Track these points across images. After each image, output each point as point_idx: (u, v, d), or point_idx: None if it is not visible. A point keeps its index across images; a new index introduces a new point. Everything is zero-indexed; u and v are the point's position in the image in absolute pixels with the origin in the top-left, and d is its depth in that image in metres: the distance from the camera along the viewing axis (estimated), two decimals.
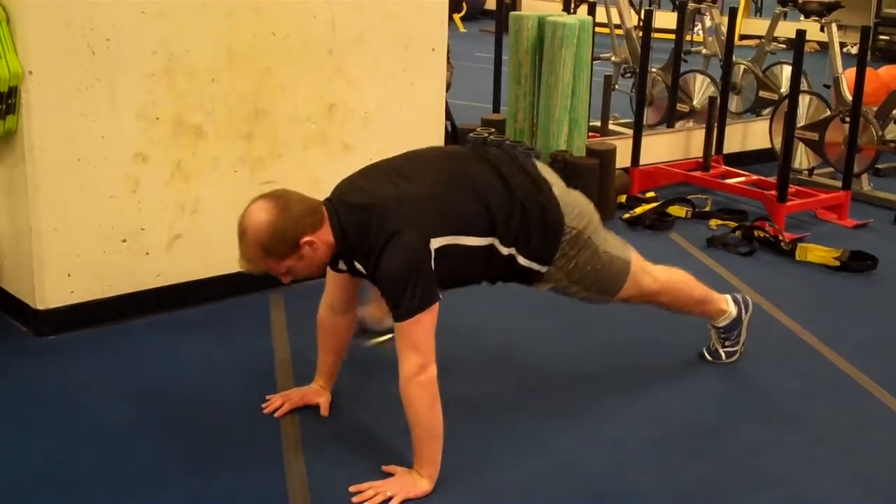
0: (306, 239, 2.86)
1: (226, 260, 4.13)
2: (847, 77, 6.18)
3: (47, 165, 3.69)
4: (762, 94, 7.39)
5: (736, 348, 3.81)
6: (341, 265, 3.04)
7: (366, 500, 2.84)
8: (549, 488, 2.98)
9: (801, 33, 5.45)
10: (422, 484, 2.88)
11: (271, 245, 2.83)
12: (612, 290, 3.38)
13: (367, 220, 2.89)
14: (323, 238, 2.91)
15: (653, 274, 3.52)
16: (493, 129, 5.88)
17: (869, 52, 6.32)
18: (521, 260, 3.13)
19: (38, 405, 3.38)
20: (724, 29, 7.01)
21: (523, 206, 3.08)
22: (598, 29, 5.95)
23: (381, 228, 2.86)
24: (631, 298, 3.47)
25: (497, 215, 3.03)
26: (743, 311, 3.79)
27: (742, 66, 7.44)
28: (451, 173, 3.10)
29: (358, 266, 2.96)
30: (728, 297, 3.80)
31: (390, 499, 2.84)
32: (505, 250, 3.08)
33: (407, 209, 2.92)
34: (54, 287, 3.81)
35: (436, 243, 2.90)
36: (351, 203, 2.97)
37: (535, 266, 3.16)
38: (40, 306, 3.81)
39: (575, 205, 3.25)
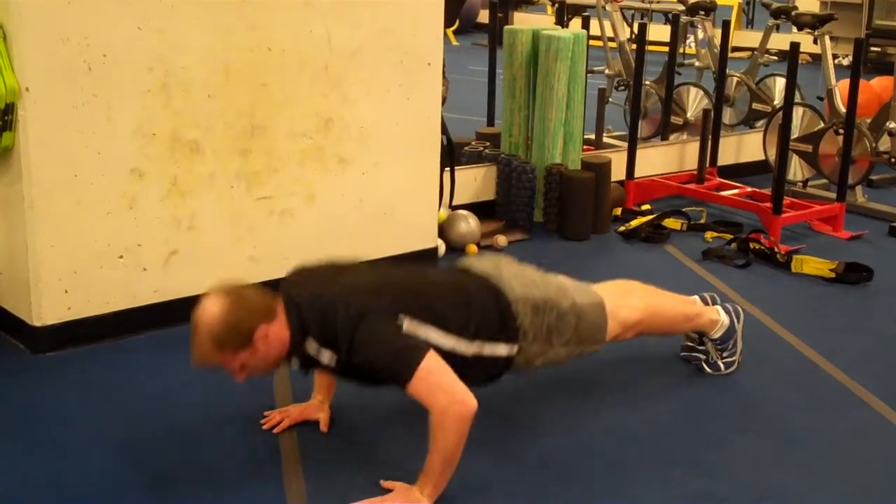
0: (261, 331, 2.85)
1: (223, 275, 4.12)
2: (840, 89, 6.20)
3: (44, 182, 3.68)
4: (756, 106, 7.41)
5: (734, 358, 3.82)
6: (293, 363, 3.03)
7: None
8: (548, 502, 2.97)
9: (795, 45, 5.48)
10: (422, 501, 2.87)
11: (225, 338, 2.80)
12: (598, 338, 3.41)
13: (331, 311, 2.89)
14: (277, 331, 2.89)
15: (629, 303, 3.54)
16: (488, 143, 5.91)
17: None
18: (487, 350, 3.12)
19: (34, 422, 3.37)
20: (717, 41, 7.04)
21: (470, 294, 3.14)
22: (591, 42, 5.97)
23: (348, 314, 2.87)
24: (620, 336, 3.50)
25: (442, 304, 3.07)
26: (735, 320, 3.80)
27: (735, 79, 7.46)
28: (397, 271, 3.24)
29: (323, 358, 2.93)
30: (718, 307, 3.81)
31: None
32: (468, 349, 3.08)
33: (369, 295, 2.95)
34: (51, 304, 3.80)
35: (405, 326, 2.93)
36: (308, 295, 2.97)
37: (501, 349, 3.17)
38: (37, 323, 3.81)
39: (526, 278, 3.30)
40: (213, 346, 2.81)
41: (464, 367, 2.98)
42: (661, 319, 3.63)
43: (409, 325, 2.94)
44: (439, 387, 2.82)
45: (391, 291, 3.01)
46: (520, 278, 3.29)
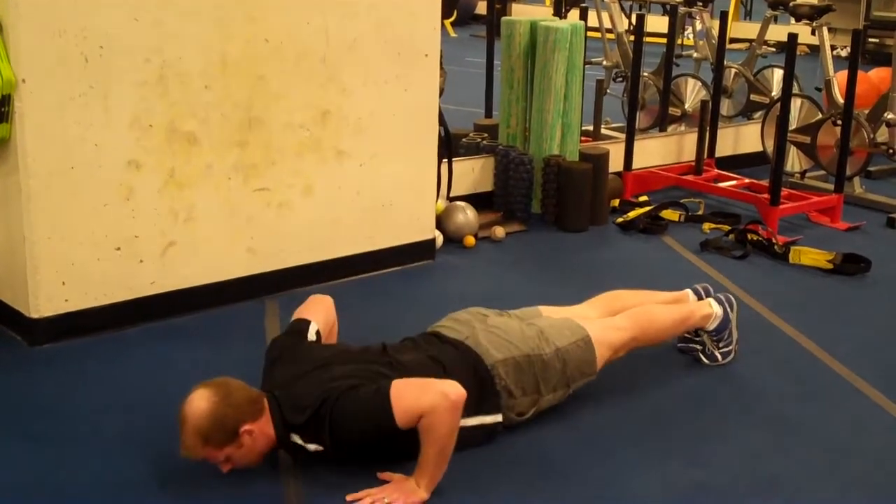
0: (246, 428, 2.88)
1: (220, 267, 4.15)
2: (838, 80, 6.20)
3: (41, 174, 3.68)
4: (753, 97, 7.40)
5: (730, 348, 3.82)
6: (281, 452, 3.05)
7: None
8: (546, 495, 2.98)
9: (793, 37, 5.47)
10: (419, 492, 2.88)
11: (211, 433, 2.84)
12: (589, 371, 3.41)
13: (309, 408, 2.93)
14: (262, 427, 2.93)
15: (616, 325, 3.54)
16: (486, 134, 5.90)
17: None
18: (471, 423, 3.11)
19: (31, 414, 3.37)
20: (715, 33, 7.03)
21: (445, 370, 3.13)
22: (589, 33, 5.96)
23: (325, 407, 2.91)
24: (612, 358, 3.50)
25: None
26: (729, 310, 3.80)
27: (733, 70, 7.45)
28: (374, 353, 3.23)
29: (310, 448, 2.96)
30: (711, 299, 3.82)
31: None
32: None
33: (345, 381, 2.98)
34: (48, 295, 3.80)
35: None
36: (288, 394, 3.00)
37: (486, 420, 3.18)
38: (34, 315, 3.80)
39: (503, 336, 3.31)
40: (200, 441, 2.86)
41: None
42: (652, 331, 3.63)
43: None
44: (416, 396, 2.86)
45: (366, 377, 3.02)
46: (496, 338, 3.30)
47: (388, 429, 2.87)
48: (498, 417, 3.21)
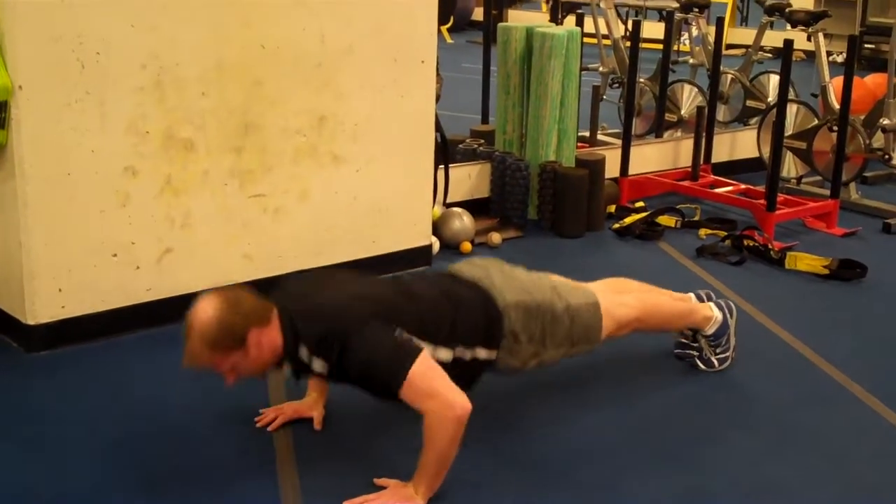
0: (253, 334, 2.86)
1: (217, 273, 4.15)
2: (834, 86, 6.21)
3: (37, 180, 3.68)
4: (749, 103, 7.41)
5: (727, 354, 3.82)
6: (286, 369, 3.04)
7: None
8: (543, 499, 2.98)
9: (788, 43, 5.48)
10: (416, 499, 2.87)
11: (218, 338, 2.82)
12: (593, 338, 3.41)
13: (322, 320, 2.92)
14: (270, 336, 2.91)
15: (625, 301, 3.55)
16: (483, 140, 5.91)
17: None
18: (468, 355, 3.13)
19: (28, 421, 3.37)
20: (711, 39, 7.04)
21: (457, 303, 3.14)
22: (585, 39, 5.96)
23: (340, 324, 2.88)
24: (614, 334, 3.51)
25: (429, 317, 3.07)
26: (728, 316, 3.81)
27: (729, 76, 7.46)
28: (386, 281, 3.23)
29: (315, 366, 2.94)
30: (712, 303, 3.82)
31: None
32: (447, 355, 3.07)
33: (360, 303, 2.97)
34: (45, 302, 3.80)
35: (396, 329, 2.93)
36: (302, 304, 2.99)
37: (480, 353, 3.17)
38: (31, 321, 3.80)
39: (518, 282, 3.31)
40: (205, 347, 2.82)
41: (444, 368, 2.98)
42: (656, 317, 3.65)
43: (400, 332, 2.94)
44: (431, 392, 2.82)
45: (381, 301, 3.01)
46: (511, 283, 3.29)
47: (390, 394, 2.86)
48: (493, 354, 3.18)
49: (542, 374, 3.72)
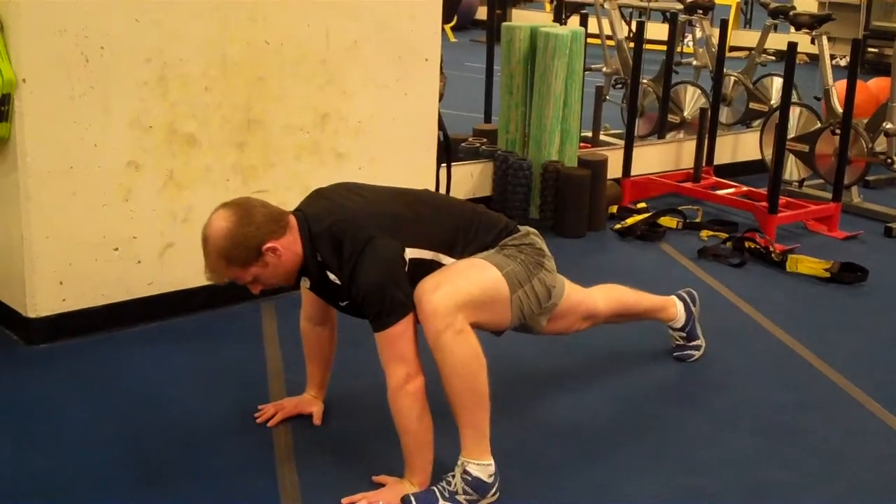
0: (269, 245, 2.85)
1: None
2: (837, 89, 6.21)
3: (40, 173, 3.68)
4: (752, 105, 7.42)
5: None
6: (304, 282, 3.03)
7: None
8: (538, 498, 2.98)
9: (792, 45, 5.48)
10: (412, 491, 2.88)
11: (233, 252, 2.82)
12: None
13: (340, 229, 2.89)
14: (288, 245, 2.89)
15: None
16: (485, 140, 5.91)
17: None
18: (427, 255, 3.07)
19: (28, 414, 3.37)
20: (715, 41, 7.04)
21: (480, 219, 3.12)
22: (589, 40, 5.97)
23: (356, 236, 2.85)
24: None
25: (455, 232, 3.04)
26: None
27: (732, 78, 7.47)
28: (411, 194, 3.17)
29: (331, 277, 2.92)
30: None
31: None
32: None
33: (379, 218, 2.93)
34: (46, 295, 3.80)
35: (409, 253, 2.91)
36: (322, 213, 2.96)
37: (443, 258, 3.08)
38: (32, 314, 3.80)
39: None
40: (223, 261, 2.83)
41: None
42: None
43: (413, 252, 2.92)
44: (402, 356, 2.82)
45: (400, 219, 2.97)
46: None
47: (371, 325, 2.86)
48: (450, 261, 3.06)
49: (538, 372, 3.74)
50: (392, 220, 2.95)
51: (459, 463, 2.88)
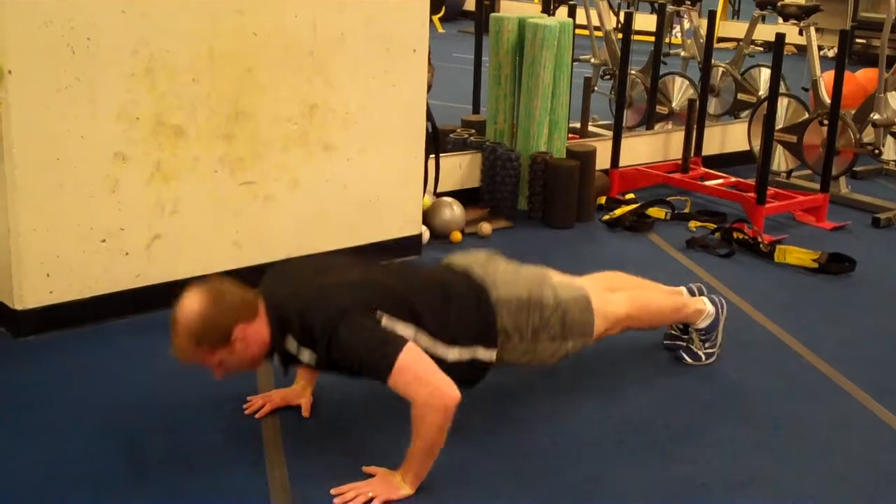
0: (239, 330, 2.85)
1: (205, 260, 4.14)
2: (825, 80, 6.21)
3: (26, 165, 3.67)
4: (740, 96, 7.42)
5: (714, 350, 3.83)
6: (276, 360, 3.03)
7: (348, 501, 2.83)
8: (530, 491, 2.98)
9: (780, 36, 5.48)
10: (404, 488, 2.88)
11: (202, 334, 2.81)
12: (586, 332, 3.38)
13: (309, 310, 2.89)
14: (256, 330, 2.90)
15: (615, 298, 3.55)
16: (474, 130, 5.90)
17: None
18: (466, 355, 3.12)
19: (15, 406, 3.36)
20: (703, 31, 7.04)
21: (451, 295, 3.12)
22: (577, 31, 5.96)
23: (327, 313, 2.86)
24: (607, 331, 3.49)
25: (423, 305, 3.05)
26: (720, 312, 3.81)
27: (720, 69, 7.47)
28: (378, 269, 3.23)
29: (303, 357, 2.93)
30: (705, 297, 3.83)
31: (371, 500, 2.84)
32: (447, 352, 3.06)
33: (348, 291, 2.95)
34: (33, 287, 3.79)
35: (384, 323, 2.92)
36: (288, 294, 2.97)
37: (480, 353, 3.16)
38: (18, 307, 3.79)
39: (510, 275, 3.30)
40: (192, 343, 2.82)
41: (444, 369, 2.95)
42: (647, 313, 3.64)
43: (387, 321, 2.93)
44: (418, 379, 2.82)
45: (370, 289, 3.01)
46: (503, 276, 3.28)
47: (377, 379, 2.85)
48: (492, 355, 3.17)
49: (527, 369, 3.73)
50: (361, 295, 2.96)
51: None
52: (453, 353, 3.07)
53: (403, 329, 2.96)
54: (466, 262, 3.34)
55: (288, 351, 2.94)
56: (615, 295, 3.57)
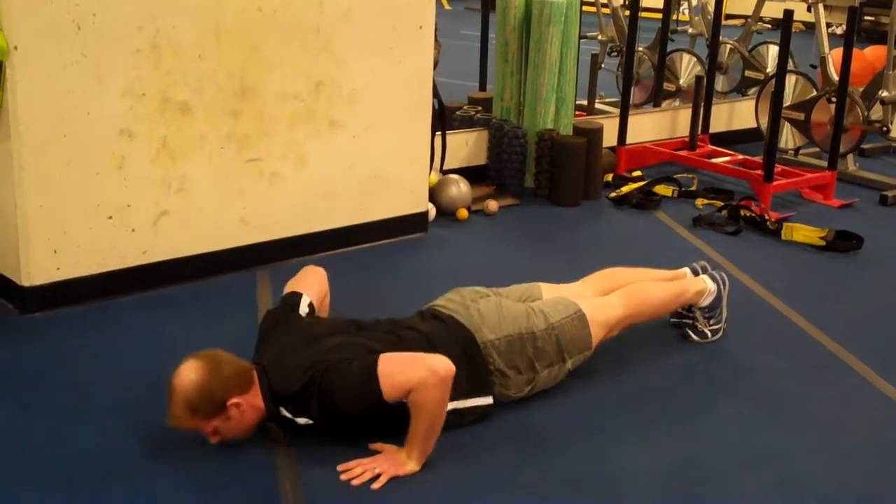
0: (233, 401, 2.89)
1: (212, 237, 4.14)
2: (833, 57, 6.19)
3: (33, 142, 3.66)
4: (748, 73, 7.40)
5: (720, 325, 3.83)
6: (272, 427, 3.06)
7: (354, 478, 2.84)
8: (534, 469, 2.98)
9: (788, 13, 5.45)
10: (409, 464, 2.89)
11: (198, 405, 2.85)
12: (585, 346, 3.39)
13: (297, 381, 2.93)
14: (251, 401, 2.94)
15: (609, 303, 3.54)
16: (480, 108, 5.89)
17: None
18: (461, 405, 3.11)
19: (23, 383, 3.36)
20: (711, 8, 7.01)
21: (437, 349, 3.09)
22: (584, 7, 5.94)
23: (314, 380, 2.90)
24: (607, 335, 3.50)
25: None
26: (722, 287, 3.81)
27: (728, 46, 7.44)
28: (364, 329, 3.23)
29: (300, 421, 2.97)
30: (706, 276, 3.83)
31: (378, 476, 2.85)
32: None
33: (336, 353, 2.99)
34: (40, 264, 3.79)
35: None
36: (279, 363, 3.01)
37: (478, 402, 3.17)
38: (26, 283, 3.79)
39: (496, 316, 3.29)
40: (188, 412, 2.86)
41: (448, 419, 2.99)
42: (648, 307, 3.64)
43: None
44: (404, 370, 2.86)
45: (355, 351, 3.02)
46: (489, 317, 3.28)
47: (376, 402, 2.87)
48: (489, 400, 3.19)
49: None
50: (343, 351, 3.00)
51: None
52: (453, 407, 3.06)
53: None
54: (450, 307, 3.34)
55: (284, 417, 2.99)
56: (611, 297, 3.57)
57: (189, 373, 2.87)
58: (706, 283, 3.80)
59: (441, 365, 2.85)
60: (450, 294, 3.45)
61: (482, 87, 6.57)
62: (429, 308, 3.40)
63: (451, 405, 3.00)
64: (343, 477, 2.85)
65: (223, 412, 2.89)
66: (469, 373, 3.14)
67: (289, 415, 2.97)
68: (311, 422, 2.96)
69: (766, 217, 5.18)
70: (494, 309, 3.32)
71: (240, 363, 2.98)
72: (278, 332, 3.18)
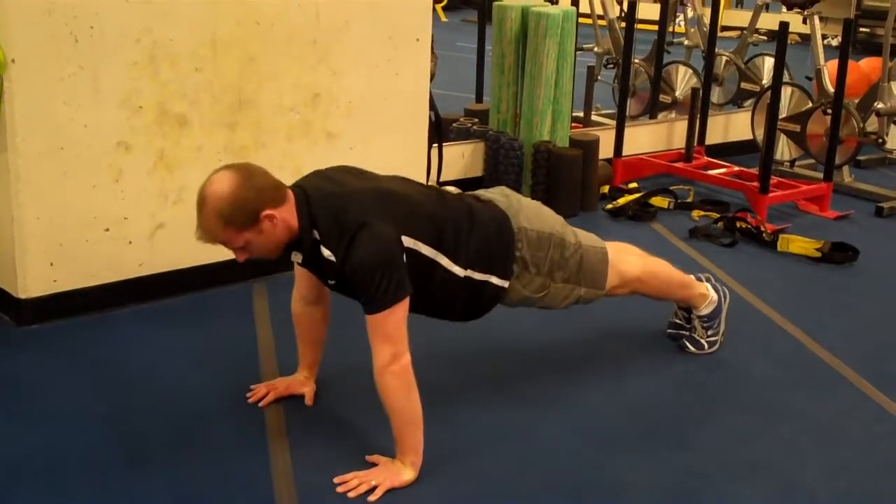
0: (267, 212, 2.81)
1: (209, 249, 4.11)
2: (829, 69, 6.21)
3: (30, 154, 3.67)
4: (744, 85, 7.42)
5: (717, 338, 3.83)
6: (295, 256, 3.00)
7: (350, 490, 2.84)
8: (532, 477, 2.98)
9: (784, 25, 5.48)
10: (406, 473, 2.89)
11: (231, 214, 2.77)
12: (598, 283, 3.42)
13: (340, 207, 2.88)
14: (284, 216, 2.86)
15: (629, 259, 3.60)
16: (477, 120, 5.90)
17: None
18: (478, 277, 3.14)
19: (19, 394, 3.36)
20: (707, 20, 7.03)
21: (475, 220, 3.13)
22: (581, 20, 5.96)
23: (354, 215, 2.84)
24: (617, 288, 3.52)
25: (447, 226, 3.07)
26: (722, 300, 3.82)
27: (724, 58, 7.46)
28: (410, 185, 3.19)
29: (325, 254, 2.89)
30: (709, 284, 3.83)
31: (374, 488, 2.84)
32: (460, 271, 3.09)
33: (380, 202, 2.93)
34: (36, 276, 3.79)
35: (406, 241, 2.92)
36: (322, 189, 2.95)
37: (493, 279, 3.18)
38: (22, 295, 3.80)
39: (534, 210, 3.33)
40: (219, 223, 2.79)
41: (453, 287, 3.01)
42: (658, 279, 3.67)
43: (411, 242, 2.93)
44: (389, 336, 2.82)
45: (401, 201, 2.99)
46: (528, 210, 3.32)
47: (363, 305, 2.85)
48: (504, 283, 3.20)
49: (534, 351, 3.74)
50: (391, 205, 2.95)
51: None
52: (467, 273, 3.10)
53: (426, 250, 2.98)
54: (490, 195, 3.36)
55: (315, 239, 2.90)
56: (630, 256, 3.64)
57: (222, 182, 2.78)
58: (710, 291, 3.81)
59: (405, 358, 2.83)
60: (490, 189, 3.47)
61: (479, 99, 6.58)
62: (471, 194, 3.39)
63: (467, 272, 3.05)
64: (339, 489, 2.84)
65: (256, 224, 2.80)
66: (496, 251, 3.16)
67: (318, 237, 2.89)
68: (332, 259, 2.86)
69: (762, 229, 5.19)
70: (535, 206, 3.39)
71: (273, 177, 2.90)
72: (325, 170, 3.13)
